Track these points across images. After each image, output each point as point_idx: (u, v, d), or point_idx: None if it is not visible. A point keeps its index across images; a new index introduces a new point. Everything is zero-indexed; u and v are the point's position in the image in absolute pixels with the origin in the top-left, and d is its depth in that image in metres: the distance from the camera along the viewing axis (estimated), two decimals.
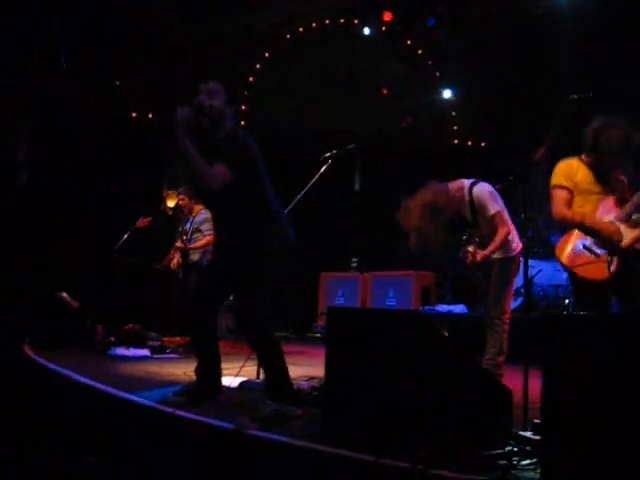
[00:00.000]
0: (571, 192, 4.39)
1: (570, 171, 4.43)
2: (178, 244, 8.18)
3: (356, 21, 10.76)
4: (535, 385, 2.95)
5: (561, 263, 4.39)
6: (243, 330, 4.10)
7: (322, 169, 5.06)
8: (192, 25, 10.04)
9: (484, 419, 2.99)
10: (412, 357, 3.06)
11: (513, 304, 7.87)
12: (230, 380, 4.67)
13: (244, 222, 4.06)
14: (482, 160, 9.53)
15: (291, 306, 10.07)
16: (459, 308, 8.50)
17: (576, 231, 4.36)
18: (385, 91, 10.92)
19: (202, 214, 7.90)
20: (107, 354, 6.89)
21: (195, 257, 8.07)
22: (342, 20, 10.77)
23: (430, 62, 10.70)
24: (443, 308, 8.68)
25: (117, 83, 10.13)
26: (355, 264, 10.53)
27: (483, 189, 4.94)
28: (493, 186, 5.02)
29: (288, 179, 6.23)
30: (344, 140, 5.50)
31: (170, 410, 3.86)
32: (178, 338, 7.49)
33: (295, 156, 9.89)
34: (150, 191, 10.01)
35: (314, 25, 10.82)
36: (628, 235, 4.20)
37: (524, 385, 3.52)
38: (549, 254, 8.00)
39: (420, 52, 10.67)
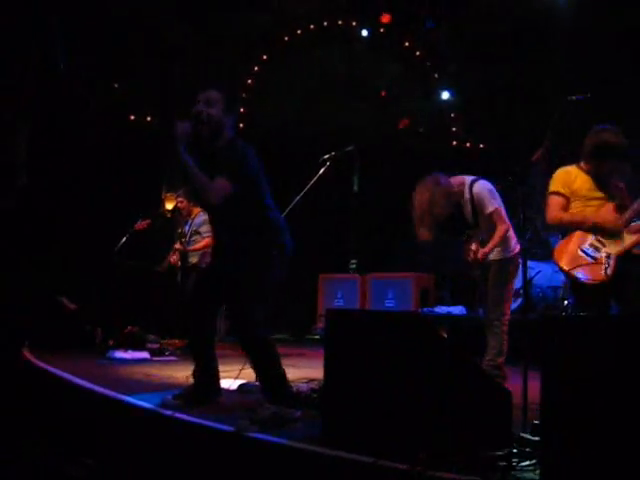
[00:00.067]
0: (567, 199, 4.45)
1: (568, 178, 4.47)
2: (177, 246, 8.18)
3: (354, 23, 10.76)
4: (534, 386, 2.95)
5: (559, 266, 4.41)
6: (236, 332, 4.06)
7: (320, 171, 5.06)
8: (191, 27, 10.04)
9: (483, 420, 2.99)
10: (411, 359, 3.06)
11: (512, 305, 7.90)
12: (229, 382, 4.67)
13: (243, 227, 4.05)
14: (481, 161, 9.54)
15: (290, 308, 10.06)
16: (458, 309, 8.50)
17: (575, 235, 4.38)
18: (383, 93, 10.92)
19: (201, 216, 7.90)
20: (106, 357, 6.89)
21: (194, 259, 8.07)
22: (340, 22, 10.77)
23: (428, 64, 10.70)
24: (442, 309, 8.68)
25: (115, 85, 10.13)
26: (354, 265, 10.52)
27: (483, 186, 4.96)
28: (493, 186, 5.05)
29: (286, 181, 6.24)
30: (342, 142, 5.51)
31: (169, 413, 3.85)
32: (177, 340, 7.49)
33: (293, 158, 9.89)
34: (149, 193, 10.00)
35: (312, 27, 10.82)
36: (626, 240, 4.24)
37: (523, 386, 3.52)
38: (548, 255, 7.98)
39: (418, 54, 10.67)
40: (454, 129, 10.55)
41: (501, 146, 9.43)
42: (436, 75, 10.73)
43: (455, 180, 5.06)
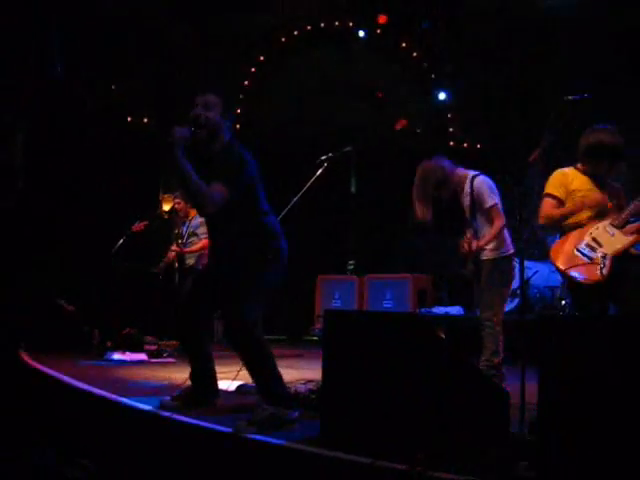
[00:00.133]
0: (560, 202, 4.46)
1: (565, 180, 4.49)
2: (174, 248, 8.18)
3: (351, 24, 10.77)
4: (532, 386, 2.96)
5: (555, 266, 4.42)
6: (228, 333, 4.02)
7: (318, 172, 5.06)
8: (189, 28, 10.05)
9: (481, 421, 3.00)
10: (409, 359, 3.06)
11: (509, 305, 7.93)
12: (227, 384, 4.67)
13: (238, 232, 4.03)
14: (478, 162, 9.54)
15: (287, 309, 10.07)
16: (456, 310, 8.51)
17: (571, 235, 4.40)
18: (380, 94, 10.93)
19: (198, 218, 7.90)
20: (104, 358, 6.89)
21: (191, 261, 8.08)
22: (337, 23, 10.77)
23: (425, 64, 10.70)
24: (440, 310, 8.68)
25: (113, 87, 10.13)
26: (352, 266, 10.52)
27: (484, 181, 4.98)
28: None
29: (284, 182, 6.24)
30: (340, 142, 5.51)
31: (167, 414, 3.86)
32: (175, 342, 7.48)
33: (291, 159, 9.90)
34: (146, 195, 10.00)
35: (309, 28, 10.83)
36: (623, 241, 4.25)
37: (521, 386, 3.53)
38: (545, 256, 7.99)
39: (415, 54, 10.67)
40: (451, 130, 10.56)
41: (498, 146, 9.44)
42: (433, 76, 10.73)
43: (458, 171, 5.08)
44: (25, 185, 8.09)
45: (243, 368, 4.21)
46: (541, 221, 4.55)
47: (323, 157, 5.11)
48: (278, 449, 3.21)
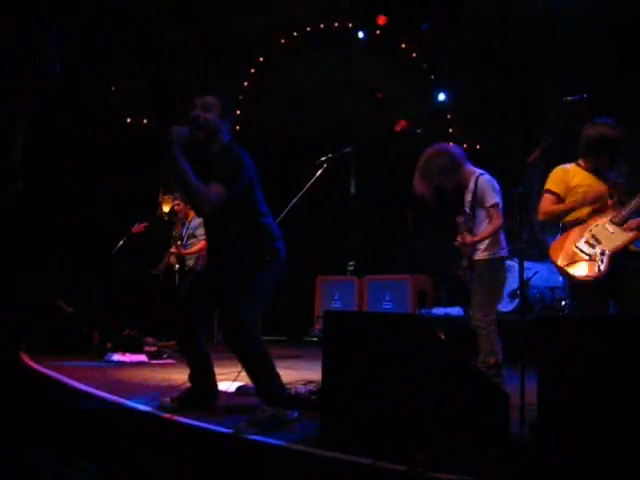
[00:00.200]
0: (560, 198, 4.47)
1: (566, 176, 4.49)
2: (172, 250, 8.18)
3: (350, 25, 10.78)
4: (532, 387, 2.96)
5: (554, 263, 4.43)
6: (226, 334, 4.02)
7: (318, 173, 5.06)
8: (188, 29, 10.05)
9: (481, 421, 3.00)
10: (409, 360, 3.06)
11: (509, 306, 7.94)
12: (227, 385, 4.67)
13: (235, 233, 4.03)
14: (477, 162, 9.54)
15: (287, 310, 10.05)
16: (456, 311, 8.50)
17: (571, 232, 4.40)
18: (380, 95, 10.93)
19: (197, 219, 7.90)
20: (104, 360, 6.89)
21: (190, 262, 8.08)
22: (336, 24, 10.78)
23: (425, 65, 10.71)
24: (440, 311, 8.68)
25: (113, 88, 10.13)
26: (351, 267, 10.52)
27: (488, 180, 5.01)
28: None
29: (284, 183, 6.24)
30: (340, 143, 5.51)
31: (167, 415, 3.86)
32: (174, 343, 7.48)
33: (290, 160, 9.90)
34: (146, 196, 10.01)
35: (308, 29, 10.83)
36: (622, 238, 4.25)
37: (521, 386, 3.53)
38: (545, 256, 8.00)
39: (414, 55, 10.68)
40: (451, 130, 10.56)
41: (497, 147, 9.44)
42: (432, 77, 10.74)
43: (468, 167, 5.09)
44: (25, 186, 8.08)
45: (243, 370, 4.21)
46: (540, 217, 4.56)
47: (323, 158, 5.11)
48: (278, 450, 3.21)
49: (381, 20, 10.41)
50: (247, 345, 3.93)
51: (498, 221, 4.89)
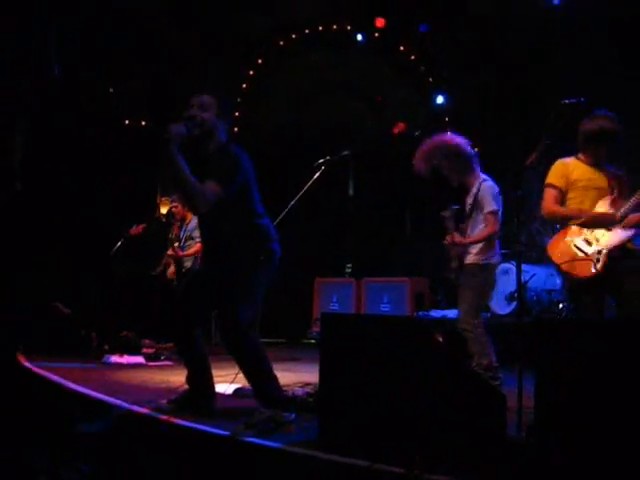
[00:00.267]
0: (562, 192, 4.45)
1: (565, 170, 4.48)
2: (170, 252, 8.18)
3: (349, 27, 10.78)
4: (529, 389, 2.96)
5: (551, 260, 4.42)
6: (223, 335, 4.02)
7: (315, 175, 5.06)
8: (187, 31, 10.05)
9: (478, 423, 3.00)
10: (406, 362, 3.06)
11: (507, 309, 7.95)
12: (225, 387, 4.67)
13: (231, 233, 4.03)
14: None
15: (285, 312, 10.05)
16: (453, 313, 8.50)
17: (569, 230, 4.38)
18: (378, 97, 10.94)
19: (194, 221, 7.90)
20: (101, 361, 6.88)
21: (188, 264, 8.07)
22: (335, 26, 10.79)
23: (423, 68, 10.72)
24: (437, 313, 8.69)
25: (111, 90, 10.13)
26: (349, 269, 10.53)
27: (491, 186, 5.00)
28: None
29: (282, 185, 6.24)
30: (338, 146, 5.51)
31: (165, 417, 3.85)
32: (172, 345, 7.47)
33: (288, 162, 9.90)
34: (144, 198, 10.00)
35: (307, 31, 10.84)
36: (620, 236, 4.23)
37: (518, 389, 3.53)
38: (542, 259, 8.02)
39: (413, 58, 10.69)
40: (449, 133, 10.55)
41: (496, 150, 9.46)
42: (431, 79, 10.75)
43: (476, 171, 5.08)
44: (23, 186, 8.07)
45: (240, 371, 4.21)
46: (543, 213, 4.54)
47: (321, 160, 5.11)
48: (275, 452, 3.21)
49: (379, 23, 10.42)
50: (244, 346, 3.93)
51: (493, 228, 4.88)
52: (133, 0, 9.49)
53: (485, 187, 4.99)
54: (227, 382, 4.65)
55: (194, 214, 4.39)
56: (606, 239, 4.25)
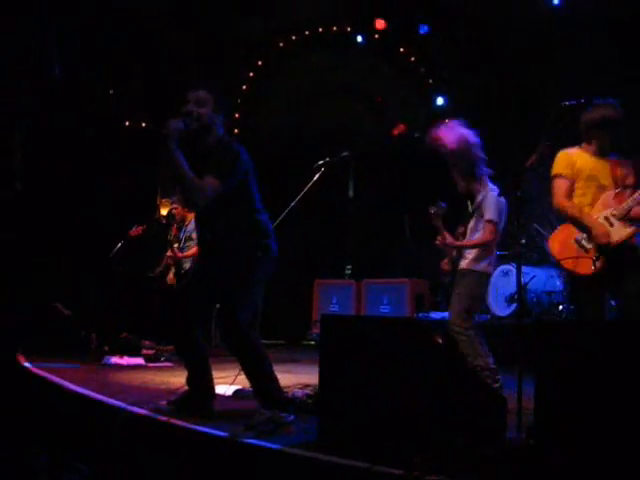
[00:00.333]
0: (571, 181, 4.40)
1: (570, 159, 4.42)
2: (169, 253, 8.17)
3: (349, 29, 10.79)
4: (529, 391, 2.96)
5: (551, 254, 4.40)
6: (225, 335, 4.03)
7: (315, 177, 5.05)
8: (188, 32, 10.06)
9: (478, 425, 3.00)
10: (406, 364, 3.06)
11: (507, 310, 7.94)
12: (225, 388, 4.67)
13: (229, 227, 4.03)
14: None
15: (285, 313, 10.06)
16: None
17: (571, 225, 4.34)
18: (378, 99, 10.95)
19: (194, 222, 7.89)
20: (101, 362, 6.88)
21: (187, 265, 8.07)
22: (335, 28, 10.79)
23: (423, 69, 10.73)
24: (437, 315, 8.68)
25: (111, 91, 10.13)
26: (349, 271, 10.54)
27: (496, 198, 4.92)
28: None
29: (281, 186, 6.24)
30: (338, 147, 5.51)
31: (164, 419, 3.85)
32: (171, 346, 7.47)
33: (288, 163, 9.90)
34: (144, 199, 10.00)
35: (307, 33, 10.85)
36: (621, 232, 4.19)
37: (518, 390, 3.53)
38: (543, 260, 8.02)
39: (413, 59, 10.70)
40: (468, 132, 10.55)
41: (497, 151, 9.46)
42: (431, 80, 10.76)
43: (485, 179, 5.04)
44: (23, 187, 8.08)
45: (241, 373, 4.21)
46: (554, 206, 4.46)
47: (321, 162, 5.10)
48: (275, 454, 3.21)
49: (379, 24, 10.42)
50: (245, 346, 3.93)
51: (488, 236, 4.83)
52: (133, 0, 9.49)
53: (490, 196, 4.94)
54: (227, 384, 4.65)
55: (193, 209, 4.38)
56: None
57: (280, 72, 11.13)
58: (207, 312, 4.37)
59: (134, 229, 8.34)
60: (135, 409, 4.11)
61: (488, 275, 4.93)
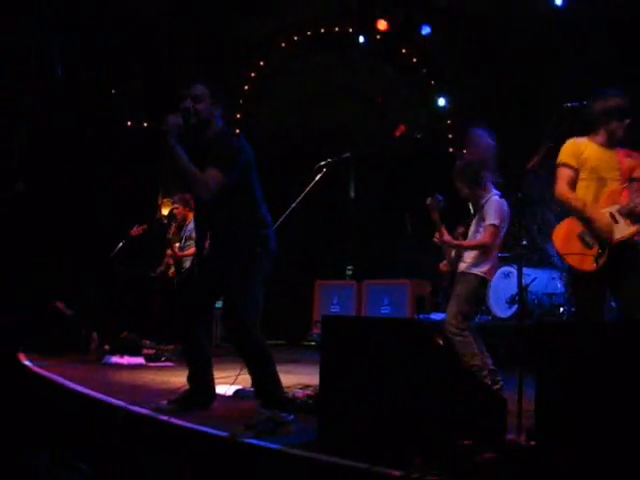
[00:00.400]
0: (576, 171, 4.34)
1: (577, 149, 4.35)
2: (168, 252, 8.17)
3: (351, 30, 10.79)
4: (530, 393, 2.96)
5: (554, 246, 4.37)
6: (228, 332, 4.04)
7: (317, 177, 5.06)
8: (189, 32, 10.06)
9: (478, 426, 3.00)
10: (407, 365, 3.06)
11: (508, 312, 7.93)
12: (225, 388, 4.67)
13: (231, 218, 4.03)
14: None
15: (285, 314, 10.06)
16: None
17: (576, 218, 4.28)
18: (380, 100, 10.95)
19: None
20: (102, 362, 6.88)
21: (187, 264, 8.07)
22: (337, 28, 10.80)
23: (425, 70, 10.73)
24: (438, 316, 8.67)
25: (113, 91, 10.14)
26: (350, 272, 10.54)
27: (500, 202, 4.91)
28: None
29: (283, 187, 6.24)
30: (339, 148, 5.51)
31: (165, 418, 3.85)
32: (172, 346, 7.48)
33: (290, 164, 9.90)
34: (145, 199, 10.01)
35: (309, 33, 10.85)
36: (624, 230, 4.14)
37: (519, 391, 3.53)
38: (544, 262, 8.01)
39: (415, 60, 10.70)
40: (450, 136, 10.56)
41: (497, 153, 9.46)
42: (432, 82, 10.76)
43: (490, 185, 5.03)
44: (25, 187, 8.08)
45: (242, 373, 4.21)
46: (556, 195, 4.41)
47: (322, 162, 5.11)
48: (275, 454, 3.21)
49: (381, 25, 10.42)
50: (249, 344, 3.94)
51: (487, 239, 4.81)
52: (133, 0, 9.50)
53: (492, 200, 4.93)
54: (227, 383, 4.65)
55: (198, 200, 4.38)
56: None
57: (282, 72, 11.13)
58: (208, 307, 4.36)
59: (135, 229, 8.34)
60: (135, 408, 4.11)
61: (487, 279, 4.91)
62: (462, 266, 4.89)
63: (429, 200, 4.96)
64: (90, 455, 4.01)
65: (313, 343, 9.42)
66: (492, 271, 4.93)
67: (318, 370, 3.44)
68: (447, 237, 4.92)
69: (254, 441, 3.35)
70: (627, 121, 4.30)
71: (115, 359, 6.91)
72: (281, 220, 4.77)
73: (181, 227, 8.23)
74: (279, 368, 4.08)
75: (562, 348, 2.67)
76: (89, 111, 9.63)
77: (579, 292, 4.36)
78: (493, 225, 4.82)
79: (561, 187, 4.36)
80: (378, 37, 10.62)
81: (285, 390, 4.17)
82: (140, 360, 7.07)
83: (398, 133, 8.31)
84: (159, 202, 9.50)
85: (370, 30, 10.61)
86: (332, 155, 5.21)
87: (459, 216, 5.27)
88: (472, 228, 4.99)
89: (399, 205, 10.29)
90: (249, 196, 4.08)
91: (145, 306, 8.31)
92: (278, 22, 10.55)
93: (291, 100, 10.91)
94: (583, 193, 4.33)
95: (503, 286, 7.94)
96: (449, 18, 9.96)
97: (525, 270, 6.52)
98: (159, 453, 3.74)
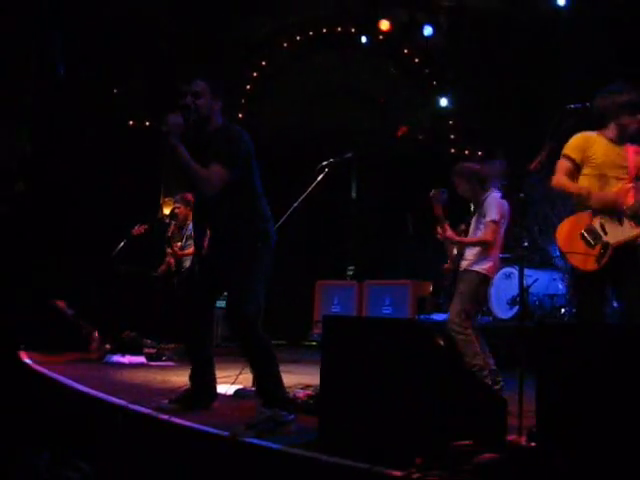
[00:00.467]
0: (576, 165, 4.27)
1: (585, 144, 4.28)
2: (169, 251, 8.17)
3: (353, 30, 10.79)
4: (531, 394, 2.96)
5: (557, 244, 4.35)
6: (232, 329, 4.03)
7: (319, 178, 5.06)
8: (191, 32, 10.07)
9: (478, 427, 3.00)
10: (408, 366, 3.06)
11: (509, 313, 7.93)
12: (226, 388, 4.67)
13: (232, 214, 4.02)
14: None
15: (286, 314, 10.06)
16: None
17: (581, 217, 4.23)
18: (382, 100, 10.95)
19: None
20: (103, 361, 6.88)
21: (187, 263, 8.07)
22: (339, 28, 10.79)
23: (427, 71, 10.72)
24: (439, 317, 8.67)
25: (115, 91, 10.14)
26: (351, 272, 10.54)
27: (499, 200, 4.93)
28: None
29: (285, 187, 6.24)
30: (341, 148, 5.51)
31: (165, 417, 3.85)
32: (174, 345, 7.48)
33: (292, 164, 9.91)
34: (147, 198, 10.01)
35: (311, 33, 10.85)
36: (627, 233, 4.12)
37: (519, 393, 3.53)
38: (545, 263, 8.01)
39: (417, 61, 10.69)
40: (452, 136, 10.56)
41: (499, 154, 9.46)
42: (434, 82, 10.75)
43: (496, 192, 5.04)
44: (26, 187, 8.09)
45: (243, 372, 4.22)
46: (552, 184, 4.37)
47: (324, 163, 5.11)
48: (275, 453, 3.21)
49: (384, 25, 10.42)
50: (252, 340, 3.94)
51: (487, 236, 4.83)
52: (134, 0, 9.50)
53: (492, 197, 4.95)
54: (228, 383, 4.65)
55: (201, 196, 4.37)
56: (615, 234, 4.11)
57: (284, 72, 11.13)
58: (209, 306, 4.35)
59: (137, 228, 8.34)
60: (136, 407, 4.11)
61: (489, 277, 4.92)
62: (464, 264, 4.91)
63: (433, 192, 4.96)
64: (91, 454, 4.01)
65: (314, 343, 9.42)
66: (494, 269, 4.94)
67: (319, 370, 3.44)
68: (450, 233, 4.92)
69: (255, 441, 3.35)
70: (639, 115, 4.26)
71: (116, 358, 6.91)
72: (282, 220, 4.78)
73: (182, 226, 8.23)
74: (280, 368, 4.08)
75: (563, 349, 2.67)
76: (90, 111, 9.63)
77: (580, 292, 4.35)
78: (493, 221, 4.83)
79: (558, 177, 4.31)
80: (380, 37, 10.62)
81: (286, 390, 4.17)
82: (141, 359, 7.07)
83: (400, 133, 8.31)
84: (161, 201, 9.50)
85: (372, 30, 10.60)
86: (334, 155, 5.21)
87: (460, 214, 5.27)
88: (472, 225, 5.00)
89: (400, 205, 10.31)
90: (250, 191, 4.07)
91: (146, 305, 8.31)
92: (279, 22, 10.56)
93: (293, 100, 10.91)
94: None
95: (504, 287, 7.94)
96: (451, 19, 9.96)
97: (526, 271, 6.53)
98: (160, 452, 3.74)
